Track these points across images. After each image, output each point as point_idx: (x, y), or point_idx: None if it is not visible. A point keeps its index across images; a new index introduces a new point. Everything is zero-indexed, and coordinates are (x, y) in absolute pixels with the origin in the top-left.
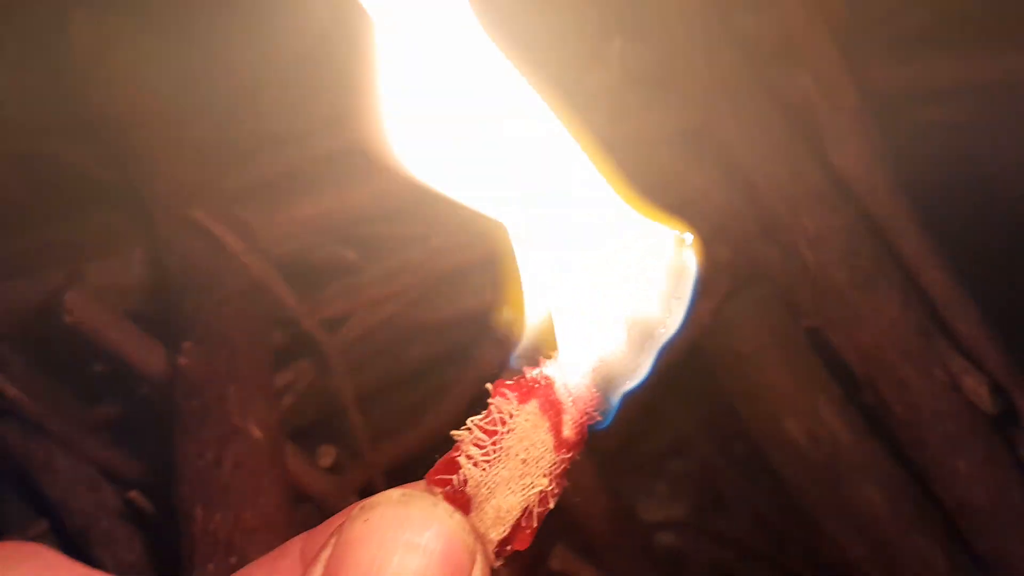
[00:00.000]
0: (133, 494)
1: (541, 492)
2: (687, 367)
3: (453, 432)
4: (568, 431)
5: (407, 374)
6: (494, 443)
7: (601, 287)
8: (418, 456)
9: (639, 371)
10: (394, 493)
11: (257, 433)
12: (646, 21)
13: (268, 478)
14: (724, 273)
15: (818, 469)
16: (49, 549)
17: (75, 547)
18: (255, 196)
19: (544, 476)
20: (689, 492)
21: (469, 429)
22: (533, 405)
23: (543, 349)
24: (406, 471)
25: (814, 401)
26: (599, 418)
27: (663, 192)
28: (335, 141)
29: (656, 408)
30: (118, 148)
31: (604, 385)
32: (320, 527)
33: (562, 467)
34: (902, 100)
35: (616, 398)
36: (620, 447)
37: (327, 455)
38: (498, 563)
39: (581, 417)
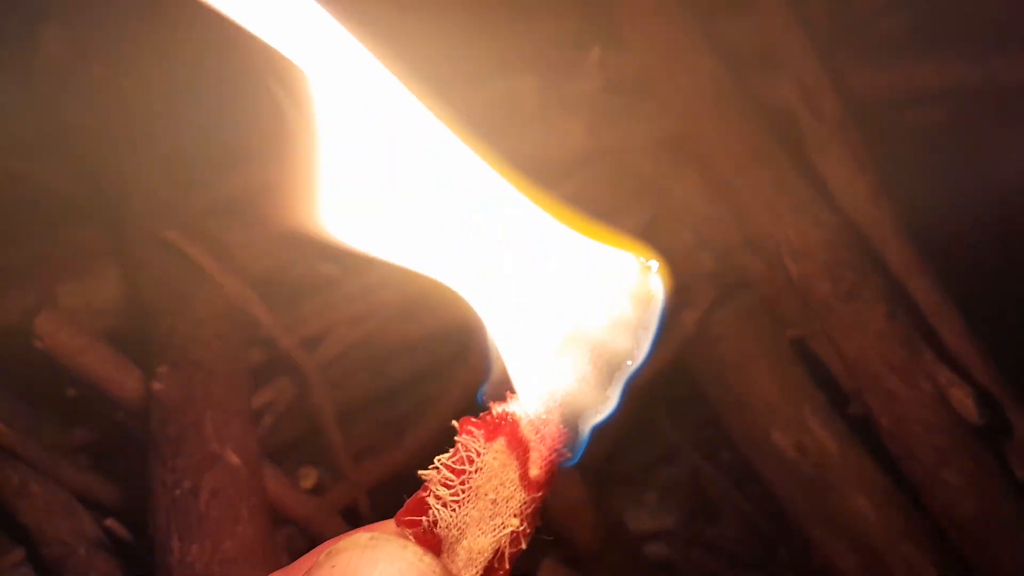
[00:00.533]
0: (110, 521)
1: (512, 532)
2: (674, 376)
3: (420, 472)
4: (536, 470)
5: (389, 390)
6: (462, 483)
7: (563, 320)
8: (402, 474)
9: (606, 404)
10: (362, 537)
11: (235, 459)
12: (625, 29)
13: (247, 506)
14: (708, 283)
15: (806, 479)
16: None
17: (52, 574)
18: (230, 212)
19: (515, 516)
20: (678, 502)
21: (437, 468)
22: (500, 443)
23: (509, 385)
24: (389, 489)
25: (800, 412)
26: (567, 454)
27: (644, 201)
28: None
29: (644, 418)
30: (90, 165)
31: (571, 420)
32: (291, 566)
33: (533, 506)
34: (883, 105)
35: (584, 433)
36: (608, 458)
37: (308, 476)
38: None
39: (549, 454)
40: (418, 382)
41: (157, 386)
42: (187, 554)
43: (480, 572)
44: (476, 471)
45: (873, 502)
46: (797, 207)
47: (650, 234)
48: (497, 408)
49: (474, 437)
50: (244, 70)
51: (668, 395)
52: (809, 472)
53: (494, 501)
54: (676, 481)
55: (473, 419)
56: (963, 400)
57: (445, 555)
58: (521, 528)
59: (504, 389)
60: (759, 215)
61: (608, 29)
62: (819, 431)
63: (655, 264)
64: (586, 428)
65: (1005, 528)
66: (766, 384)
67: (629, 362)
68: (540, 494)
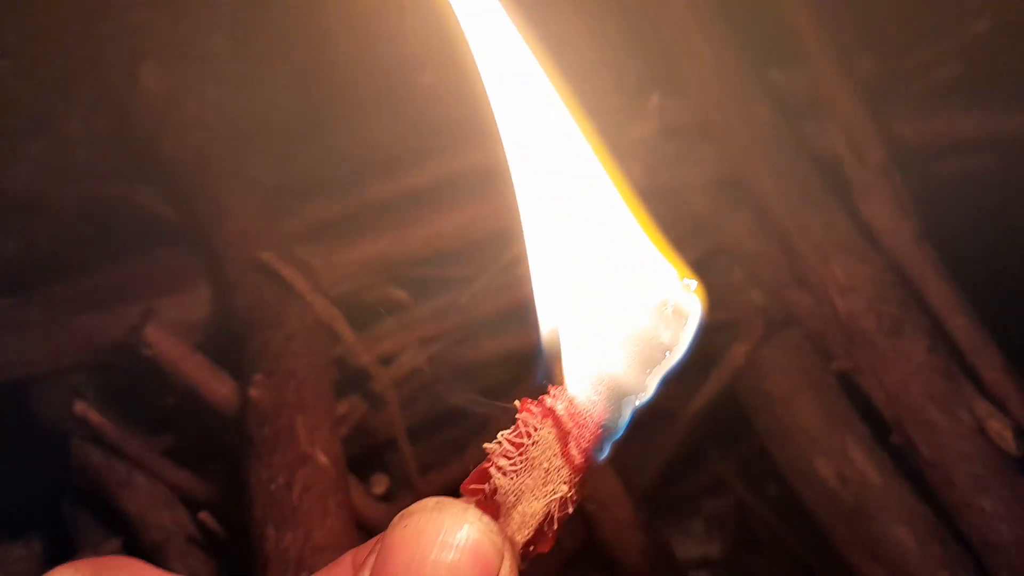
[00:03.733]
0: (203, 515)
1: (561, 498)
2: (724, 409)
3: (485, 445)
4: (575, 453)
5: (452, 410)
6: (520, 454)
7: (609, 311)
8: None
9: (644, 393)
10: (430, 501)
11: (323, 459)
12: (683, 77)
13: (334, 500)
14: (758, 317)
15: (848, 508)
16: (140, 561)
17: (150, 562)
18: (312, 238)
19: (564, 483)
20: (723, 532)
21: (499, 442)
22: (552, 420)
23: (557, 372)
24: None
25: (843, 442)
26: (602, 442)
27: (698, 239)
28: (391, 187)
29: (693, 448)
30: (185, 191)
31: (608, 409)
32: (369, 541)
33: (579, 477)
34: (928, 153)
35: (619, 422)
36: (658, 485)
37: (380, 483)
38: (524, 565)
39: (584, 441)
40: (473, 408)
41: (254, 392)
42: (281, 541)
43: (532, 533)
44: (533, 444)
45: (913, 532)
46: (844, 247)
47: (702, 270)
48: (551, 389)
49: (532, 414)
50: (326, 104)
51: (717, 427)
52: (850, 501)
53: (547, 471)
54: (721, 511)
55: (531, 399)
56: (1001, 432)
57: (502, 519)
58: (569, 494)
59: (557, 371)
60: (808, 254)
61: (667, 77)
62: (861, 461)
63: (693, 281)
64: (621, 418)
65: None
66: (811, 415)
67: (668, 355)
68: (584, 467)
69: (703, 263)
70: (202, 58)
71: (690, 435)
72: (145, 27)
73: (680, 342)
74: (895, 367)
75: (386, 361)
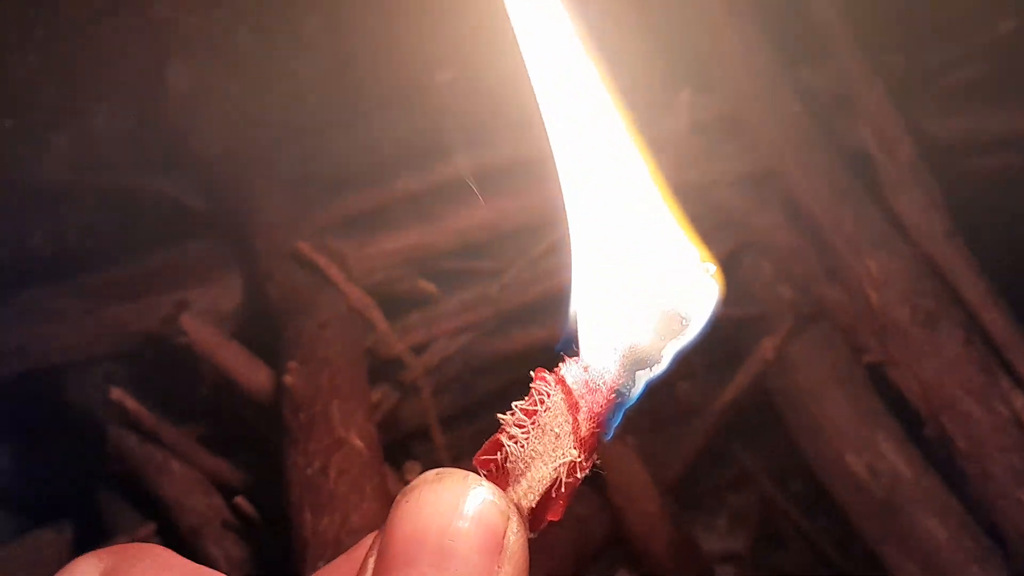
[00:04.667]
0: (239, 499)
1: (571, 463)
2: (751, 404)
3: (499, 415)
4: (584, 421)
5: (481, 400)
6: (533, 422)
7: (626, 283)
8: None
9: (656, 367)
10: (430, 473)
11: (359, 443)
12: (713, 73)
13: (371, 484)
14: (788, 312)
15: (879, 501)
16: (165, 549)
17: (187, 546)
18: (345, 230)
19: (573, 448)
20: (749, 527)
21: (513, 412)
22: (566, 386)
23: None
24: None
25: (874, 436)
26: (614, 411)
27: (727, 234)
28: (420, 181)
29: (720, 443)
30: (214, 184)
31: (621, 379)
32: (352, 549)
33: (591, 442)
34: (955, 150)
35: (632, 393)
36: (684, 478)
37: (412, 470)
38: (533, 533)
39: (595, 409)
40: (507, 395)
41: (289, 379)
42: (319, 525)
43: (539, 497)
44: (545, 411)
45: (944, 524)
46: (876, 240)
47: (731, 265)
48: (568, 359)
49: (546, 382)
50: (355, 101)
51: (743, 423)
52: (881, 495)
53: (557, 436)
54: (746, 506)
55: (546, 369)
56: None
57: (511, 487)
58: (579, 459)
59: (575, 342)
60: (841, 248)
61: (698, 73)
62: (892, 455)
63: (712, 264)
64: (638, 385)
65: None
66: (841, 409)
67: (683, 330)
68: (593, 435)
69: (732, 258)
70: (228, 54)
71: (718, 430)
72: (171, 23)
73: (696, 318)
74: (930, 359)
75: (418, 351)
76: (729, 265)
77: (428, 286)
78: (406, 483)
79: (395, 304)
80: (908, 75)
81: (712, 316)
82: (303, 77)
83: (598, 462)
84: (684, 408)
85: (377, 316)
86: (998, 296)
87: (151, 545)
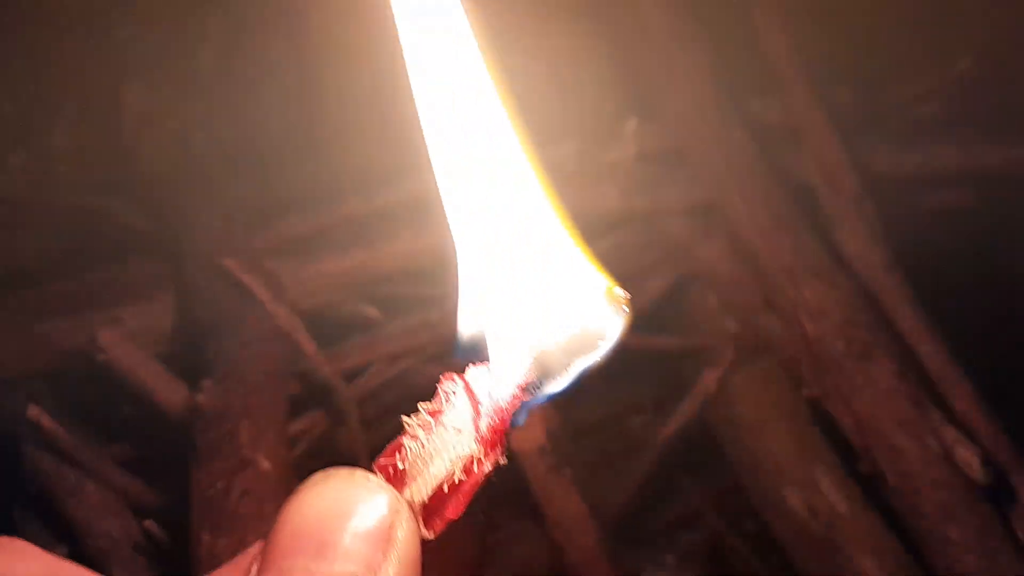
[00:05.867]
0: (148, 523)
1: (469, 457)
2: (698, 441)
3: (403, 417)
4: (484, 423)
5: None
6: (437, 421)
7: (539, 295)
8: None
9: (561, 380)
10: (319, 474)
11: (266, 465)
12: (660, 102)
13: (273, 506)
14: (729, 344)
15: (816, 540)
16: (27, 543)
17: (96, 568)
18: (285, 252)
19: (471, 446)
20: (698, 565)
21: (418, 413)
22: (468, 387)
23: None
24: None
25: (813, 472)
26: (515, 416)
27: (672, 263)
28: (362, 204)
29: (667, 480)
30: (157, 204)
31: (526, 386)
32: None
33: (493, 440)
34: (905, 185)
35: (535, 400)
36: (627, 514)
37: None
38: (431, 532)
39: (495, 412)
40: None
41: (200, 398)
42: (215, 546)
43: (431, 492)
44: (450, 409)
45: (880, 563)
46: (814, 271)
47: (676, 295)
48: (475, 364)
49: (452, 381)
50: (302, 123)
51: (692, 459)
52: (819, 532)
53: (459, 432)
54: (696, 544)
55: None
56: (968, 459)
57: (408, 485)
58: (478, 455)
59: (483, 348)
60: (778, 277)
61: (645, 102)
62: (830, 492)
63: (620, 291)
64: (542, 394)
65: None
66: (781, 444)
67: (592, 348)
68: (492, 437)
69: (677, 288)
70: (188, 76)
71: (663, 464)
72: (131, 44)
73: (606, 337)
74: (863, 392)
75: (354, 376)
76: (675, 296)
77: (370, 310)
78: None
79: (337, 329)
80: (860, 110)
81: (620, 338)
82: (264, 100)
83: (502, 460)
84: (627, 441)
85: (304, 338)
86: (936, 330)
87: (12, 538)
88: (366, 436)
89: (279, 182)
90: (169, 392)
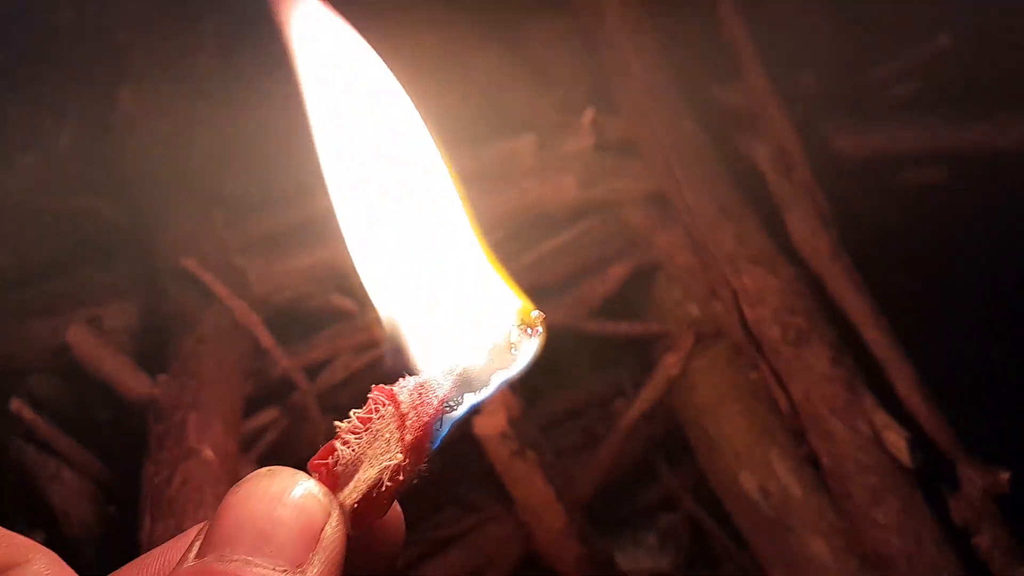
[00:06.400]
0: (112, 508)
1: (395, 465)
2: (672, 424)
3: (335, 422)
4: (409, 433)
5: None
6: (366, 428)
7: (464, 311)
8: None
9: (482, 391)
10: (263, 470)
11: (209, 454)
12: (615, 94)
13: (212, 492)
14: (689, 329)
15: (768, 522)
16: None
17: (71, 554)
18: (259, 248)
19: (400, 452)
20: (677, 546)
21: (349, 419)
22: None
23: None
24: None
25: (767, 455)
26: (437, 426)
27: (632, 252)
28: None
29: (643, 461)
30: (136, 204)
31: (448, 398)
32: (183, 534)
33: (418, 450)
34: (867, 167)
35: (456, 411)
36: (604, 497)
37: None
38: (356, 531)
39: (418, 423)
40: None
41: (156, 391)
42: (155, 531)
43: (361, 496)
44: (379, 418)
45: (830, 545)
46: (756, 259)
47: (640, 282)
48: (405, 375)
49: (382, 392)
50: (274, 119)
51: (667, 442)
52: (771, 515)
53: (387, 441)
54: (675, 525)
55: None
56: (896, 442)
57: (339, 488)
58: (404, 463)
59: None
60: (722, 265)
61: (601, 94)
62: (784, 475)
63: (537, 313)
64: (463, 406)
65: (930, 570)
66: (736, 428)
67: (511, 362)
68: (415, 445)
69: (640, 275)
70: (186, 77)
71: (642, 450)
72: (129, 47)
73: (524, 352)
74: (799, 378)
75: (318, 370)
76: (638, 282)
77: (343, 301)
78: None
79: (309, 322)
80: (824, 94)
81: (535, 356)
82: (270, 98)
83: (424, 469)
84: (601, 425)
85: (262, 332)
86: (880, 314)
87: None
88: (329, 429)
89: (261, 181)
90: (133, 385)
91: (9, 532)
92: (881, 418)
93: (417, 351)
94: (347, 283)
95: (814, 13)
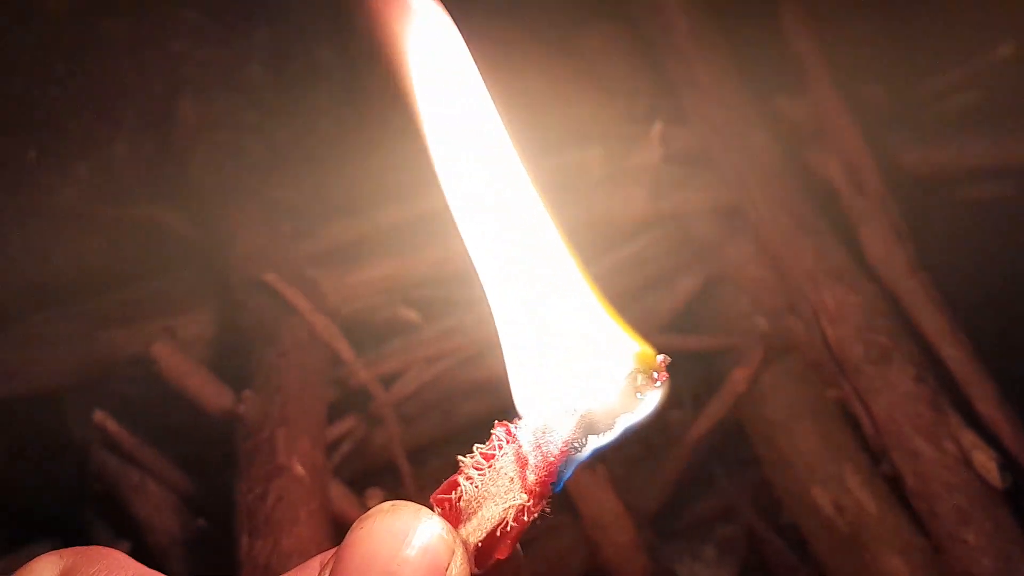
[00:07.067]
0: (200, 521)
1: (520, 506)
2: (735, 436)
3: (459, 457)
4: (531, 477)
5: (456, 430)
6: (490, 465)
7: (588, 357)
8: None
9: (606, 437)
10: (386, 504)
11: (300, 471)
12: (685, 106)
13: (306, 510)
14: (759, 343)
15: (842, 537)
16: (121, 553)
17: (157, 564)
18: (327, 260)
19: (524, 492)
20: (736, 558)
21: (472, 455)
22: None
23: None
24: None
25: (841, 471)
26: (560, 470)
27: (701, 264)
28: (401, 213)
29: (704, 474)
30: (205, 214)
31: (570, 443)
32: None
33: (541, 491)
34: (934, 181)
35: (579, 456)
36: (662, 510)
37: (374, 496)
38: (479, 570)
39: (541, 467)
40: (481, 426)
41: (241, 408)
42: (253, 548)
43: (486, 535)
44: (503, 455)
45: (906, 562)
46: (835, 275)
47: (706, 295)
48: (524, 417)
49: (506, 429)
50: (346, 135)
51: (729, 454)
52: (845, 530)
53: (511, 479)
54: (734, 537)
55: (507, 421)
56: (985, 463)
57: (463, 524)
58: (528, 503)
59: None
60: (800, 281)
61: (671, 106)
62: (858, 491)
63: (661, 357)
64: (586, 451)
65: None
66: (809, 443)
67: (635, 409)
68: (539, 489)
69: (708, 288)
70: (240, 85)
71: (699, 460)
72: (187, 57)
73: (649, 397)
74: (882, 396)
75: (391, 380)
76: (707, 296)
77: (409, 313)
78: (367, 510)
79: (377, 333)
80: (889, 107)
81: (658, 405)
82: (316, 107)
83: (546, 510)
84: (662, 438)
85: (342, 345)
86: (959, 331)
87: (109, 549)
88: (407, 435)
89: (321, 190)
90: (217, 400)
91: (153, 573)
92: (968, 437)
93: (541, 394)
94: (412, 295)
95: (875, 24)
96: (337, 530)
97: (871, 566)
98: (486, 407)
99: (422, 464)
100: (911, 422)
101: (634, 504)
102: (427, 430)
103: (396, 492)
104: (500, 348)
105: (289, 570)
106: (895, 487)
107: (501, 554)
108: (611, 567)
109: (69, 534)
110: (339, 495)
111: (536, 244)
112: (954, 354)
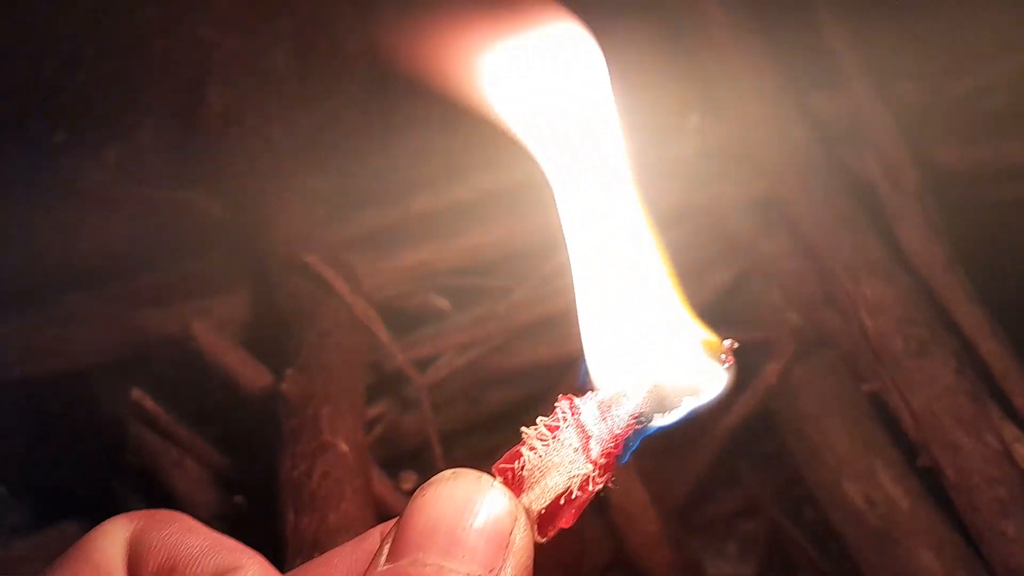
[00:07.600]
0: (238, 498)
1: (584, 476)
2: (760, 431)
3: (523, 428)
4: (595, 450)
5: (482, 420)
6: (554, 436)
7: (657, 334)
8: None
9: (671, 413)
10: (447, 472)
11: (344, 448)
12: (722, 98)
13: (351, 487)
14: (790, 337)
15: (874, 532)
16: (188, 516)
17: None
18: (360, 245)
19: (589, 463)
20: (759, 554)
21: (536, 426)
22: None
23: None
24: None
25: (872, 465)
26: (625, 445)
27: (735, 257)
28: (435, 199)
29: (728, 469)
30: (237, 198)
31: (636, 416)
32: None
33: (607, 462)
34: (970, 179)
35: (644, 431)
36: (688, 502)
37: (408, 480)
38: (543, 538)
39: (605, 441)
40: (512, 412)
41: (284, 386)
42: (299, 524)
43: (549, 503)
44: (567, 427)
45: (939, 557)
46: (874, 268)
47: (739, 288)
48: (589, 390)
49: (570, 403)
50: (378, 123)
51: (753, 449)
52: (877, 525)
53: (576, 450)
54: (756, 533)
55: (575, 395)
56: None
57: (525, 492)
58: (593, 474)
59: (598, 375)
60: (839, 274)
61: (707, 98)
62: (890, 485)
63: (729, 342)
64: (651, 425)
65: None
66: (840, 437)
67: (701, 391)
68: (604, 463)
69: (740, 281)
70: (266, 73)
71: (724, 454)
72: (215, 44)
73: (717, 380)
74: (921, 388)
75: (425, 365)
76: (738, 289)
77: (441, 301)
78: (400, 491)
79: (408, 319)
80: (925, 104)
81: (726, 386)
82: (340, 96)
83: (612, 482)
84: (689, 430)
85: (379, 328)
86: (997, 326)
87: (179, 512)
88: (437, 421)
89: (354, 177)
90: (255, 379)
91: (223, 537)
92: (1010, 430)
93: (611, 366)
94: (443, 283)
95: (911, 22)
96: (376, 511)
97: (904, 561)
98: (512, 397)
99: (448, 453)
100: (951, 415)
101: (660, 496)
102: (453, 418)
103: (427, 477)
104: (576, 320)
105: (337, 545)
106: (928, 482)
107: (565, 523)
108: (635, 557)
109: (97, 512)
110: (375, 476)
111: (625, 223)
112: (992, 348)
